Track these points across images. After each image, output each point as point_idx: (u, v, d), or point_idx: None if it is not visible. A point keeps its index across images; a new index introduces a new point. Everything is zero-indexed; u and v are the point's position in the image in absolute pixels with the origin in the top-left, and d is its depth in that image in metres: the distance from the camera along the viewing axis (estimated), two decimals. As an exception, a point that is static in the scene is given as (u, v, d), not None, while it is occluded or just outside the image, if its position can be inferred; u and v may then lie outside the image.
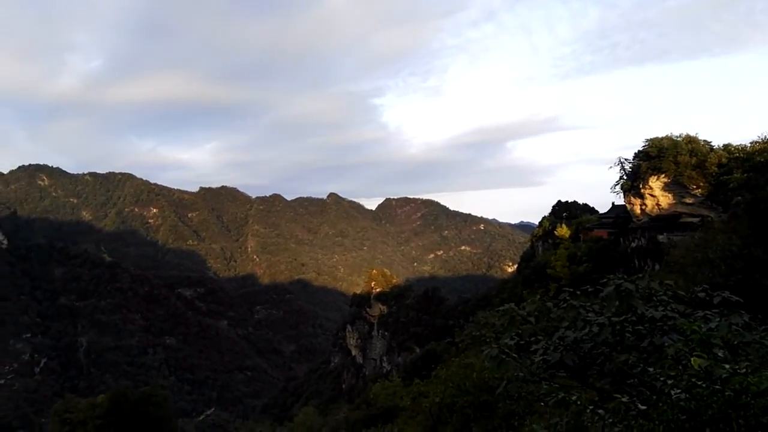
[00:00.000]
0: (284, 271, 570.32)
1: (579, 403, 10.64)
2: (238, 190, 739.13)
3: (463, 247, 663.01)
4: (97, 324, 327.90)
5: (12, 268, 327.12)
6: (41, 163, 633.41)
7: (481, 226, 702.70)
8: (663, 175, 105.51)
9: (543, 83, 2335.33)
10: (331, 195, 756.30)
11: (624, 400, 9.99)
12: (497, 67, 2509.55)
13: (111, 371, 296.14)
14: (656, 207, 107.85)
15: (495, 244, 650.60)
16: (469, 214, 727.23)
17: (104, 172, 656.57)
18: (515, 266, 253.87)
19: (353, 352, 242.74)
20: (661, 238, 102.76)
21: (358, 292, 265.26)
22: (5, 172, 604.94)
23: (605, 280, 11.43)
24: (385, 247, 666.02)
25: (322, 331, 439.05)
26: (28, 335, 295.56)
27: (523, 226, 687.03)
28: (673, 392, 8.91)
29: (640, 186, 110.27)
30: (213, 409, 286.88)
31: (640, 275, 12.13)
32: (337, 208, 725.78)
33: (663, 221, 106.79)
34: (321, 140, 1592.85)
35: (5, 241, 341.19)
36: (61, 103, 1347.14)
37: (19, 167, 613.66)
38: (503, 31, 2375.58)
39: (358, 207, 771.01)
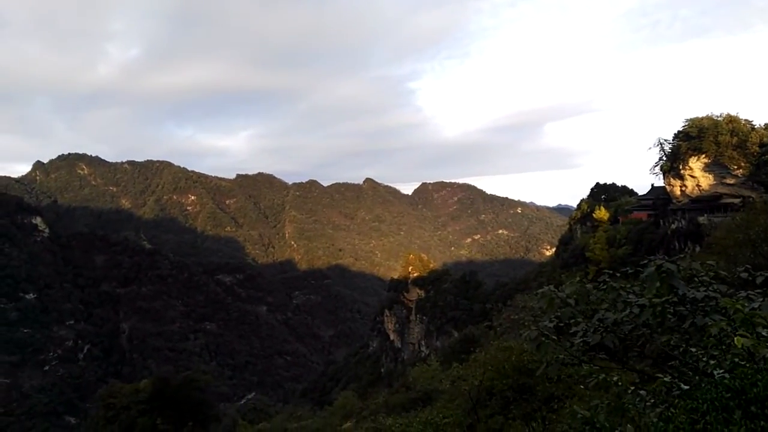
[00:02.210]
0: (322, 257, 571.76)
1: (620, 384, 10.58)
2: (274, 177, 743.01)
3: (500, 231, 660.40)
4: (139, 310, 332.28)
5: (54, 256, 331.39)
6: (80, 152, 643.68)
7: (519, 210, 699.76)
8: (703, 156, 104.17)
9: (581, 62, 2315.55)
10: (368, 180, 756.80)
11: (666, 380, 9.92)
12: (535, 47, 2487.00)
13: (153, 357, 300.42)
14: (696, 188, 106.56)
15: (533, 227, 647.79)
16: (507, 198, 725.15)
17: (142, 161, 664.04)
18: (553, 250, 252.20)
19: (391, 337, 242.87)
20: (701, 219, 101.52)
21: (396, 276, 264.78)
22: (45, 161, 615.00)
23: (645, 261, 11.30)
24: (421, 232, 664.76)
25: (360, 316, 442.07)
26: (72, 322, 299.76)
27: (561, 209, 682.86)
28: (716, 372, 8.85)
29: (680, 167, 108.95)
30: (254, 393, 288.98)
31: (681, 257, 12.03)
32: (374, 193, 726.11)
33: (703, 202, 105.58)
34: (357, 125, 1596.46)
35: (47, 230, 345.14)
36: (99, 92, 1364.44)
37: (59, 156, 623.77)
38: (541, 10, 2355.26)
39: (395, 192, 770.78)
